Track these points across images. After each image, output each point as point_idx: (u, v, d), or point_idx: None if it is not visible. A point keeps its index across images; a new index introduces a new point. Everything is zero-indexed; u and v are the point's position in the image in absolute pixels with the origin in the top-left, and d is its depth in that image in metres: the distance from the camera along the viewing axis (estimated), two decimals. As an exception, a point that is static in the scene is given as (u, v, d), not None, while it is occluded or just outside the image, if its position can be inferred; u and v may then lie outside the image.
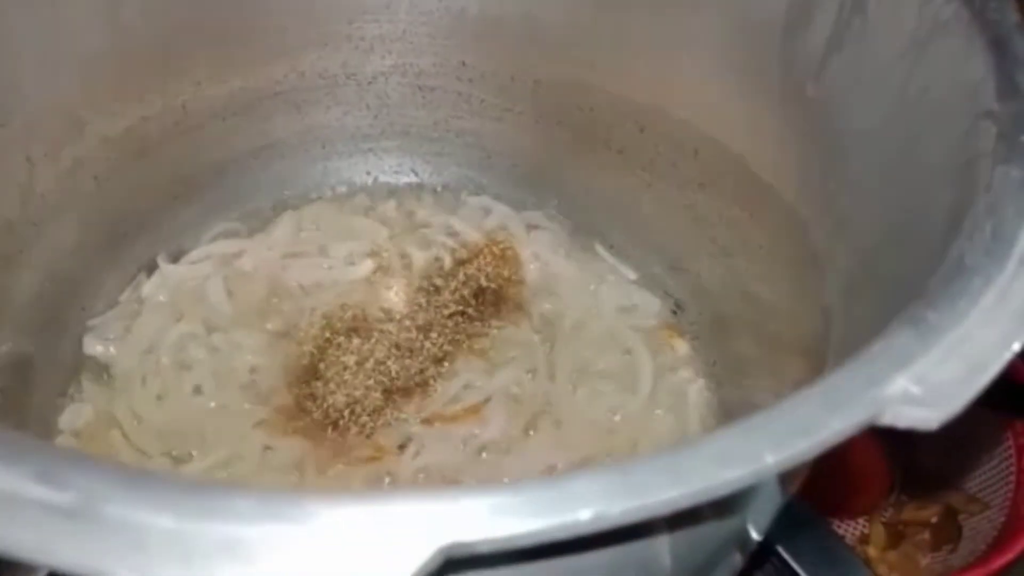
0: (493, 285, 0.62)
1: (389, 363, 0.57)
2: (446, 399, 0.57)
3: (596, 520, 0.23)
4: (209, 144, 0.62)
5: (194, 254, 0.64)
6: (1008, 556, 0.59)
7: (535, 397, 0.57)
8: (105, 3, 0.53)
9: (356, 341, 0.58)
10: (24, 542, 0.22)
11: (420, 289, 0.62)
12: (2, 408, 0.51)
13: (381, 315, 0.60)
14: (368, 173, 0.69)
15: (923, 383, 0.26)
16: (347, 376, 0.56)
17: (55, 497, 0.23)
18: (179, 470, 0.54)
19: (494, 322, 0.60)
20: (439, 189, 0.69)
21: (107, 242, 0.60)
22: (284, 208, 0.67)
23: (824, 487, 0.46)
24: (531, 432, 0.56)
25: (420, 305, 0.61)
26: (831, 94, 0.47)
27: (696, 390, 0.59)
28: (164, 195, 0.62)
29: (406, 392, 0.57)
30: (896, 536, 0.66)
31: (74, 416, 0.56)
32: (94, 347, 0.59)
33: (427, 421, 0.56)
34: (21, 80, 0.51)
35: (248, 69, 0.62)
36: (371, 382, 0.56)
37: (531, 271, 0.64)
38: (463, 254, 0.64)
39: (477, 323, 0.60)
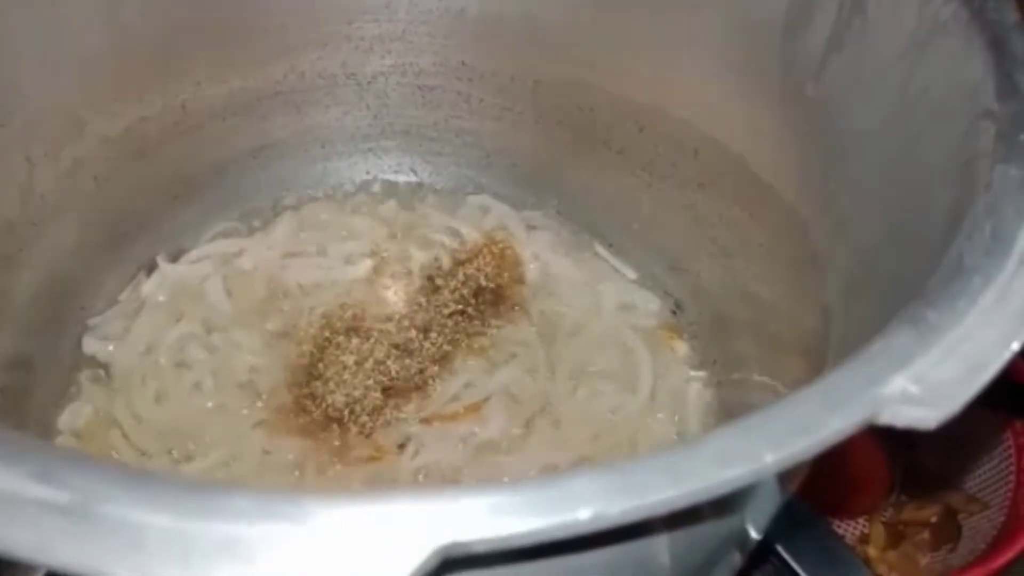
0: (493, 285, 0.62)
1: (389, 363, 0.57)
2: (445, 399, 0.57)
3: (595, 520, 0.23)
4: (209, 144, 0.62)
5: (194, 254, 0.64)
6: (1008, 556, 0.59)
7: (534, 397, 0.57)
8: (105, 3, 0.53)
9: (355, 341, 0.58)
10: (23, 542, 0.22)
11: (420, 289, 0.62)
12: (2, 408, 0.51)
13: (381, 315, 0.60)
14: (368, 173, 0.69)
15: (922, 383, 0.26)
16: (346, 376, 0.56)
17: (54, 497, 0.23)
18: (178, 470, 0.54)
19: (494, 321, 0.60)
20: (439, 189, 0.69)
21: (107, 242, 0.60)
22: (284, 208, 0.67)
23: (824, 487, 0.46)
24: (530, 431, 0.56)
25: (420, 305, 0.61)
26: (831, 94, 0.47)
27: (696, 390, 0.59)
28: (164, 195, 0.62)
29: (405, 392, 0.57)
30: (896, 536, 0.66)
31: (74, 416, 0.56)
32: (94, 347, 0.59)
33: (426, 421, 0.56)
34: (21, 80, 0.51)
35: (248, 69, 0.62)
36: (371, 382, 0.56)
37: (531, 271, 0.64)
38: (463, 254, 0.64)
39: (477, 323, 0.60)
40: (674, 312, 0.62)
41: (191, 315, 0.60)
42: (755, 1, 0.50)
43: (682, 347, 0.61)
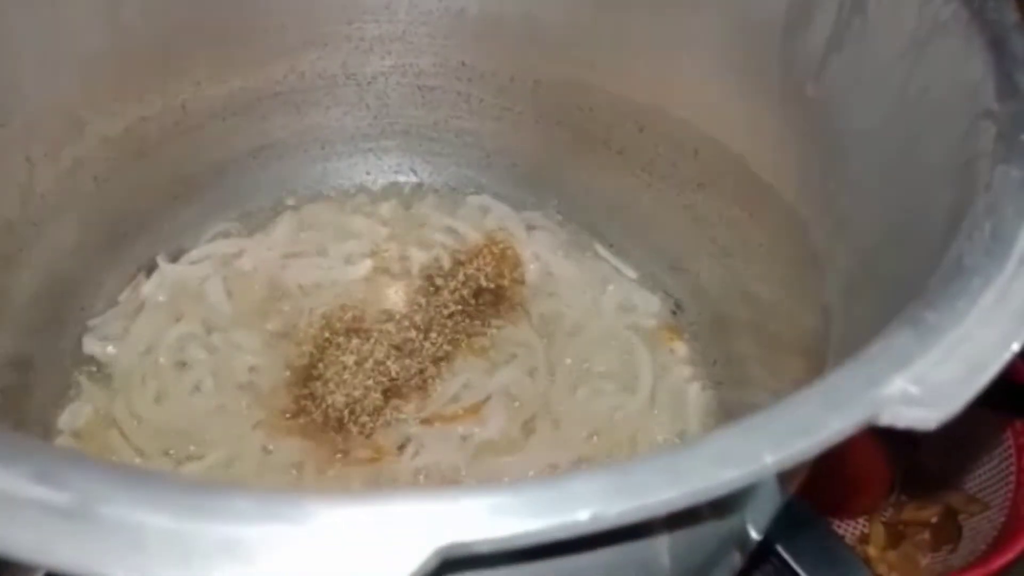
0: (493, 285, 0.62)
1: (388, 363, 0.57)
2: (445, 399, 0.57)
3: (594, 520, 0.23)
4: (209, 144, 0.62)
5: (194, 254, 0.64)
6: (1008, 556, 0.59)
7: (534, 397, 0.57)
8: (105, 3, 0.53)
9: (355, 341, 0.58)
10: (22, 542, 0.22)
11: (420, 289, 0.62)
12: (2, 408, 0.51)
13: (381, 315, 0.60)
14: (368, 173, 0.69)
15: (922, 383, 0.26)
16: (346, 376, 0.56)
17: (53, 497, 0.23)
18: (178, 470, 0.54)
19: (494, 322, 0.60)
20: (439, 189, 0.69)
21: (107, 242, 0.60)
22: (283, 208, 0.67)
23: (824, 487, 0.46)
24: (530, 432, 0.56)
25: (420, 305, 0.61)
26: (831, 94, 0.47)
27: (695, 390, 0.59)
28: (164, 195, 0.62)
29: (405, 392, 0.57)
30: (896, 536, 0.66)
31: (73, 416, 0.56)
32: (93, 347, 0.59)
33: (426, 421, 0.56)
34: (21, 80, 0.51)
35: (248, 69, 0.62)
36: (370, 382, 0.56)
37: (531, 271, 0.64)
38: (463, 254, 0.64)
39: (477, 323, 0.60)
40: (674, 312, 0.62)
41: (191, 315, 0.60)
42: (755, 1, 0.50)
43: (682, 347, 0.61)
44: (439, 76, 0.65)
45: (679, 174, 0.59)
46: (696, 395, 0.59)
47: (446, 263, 0.64)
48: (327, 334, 0.59)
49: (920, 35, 0.40)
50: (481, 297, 0.61)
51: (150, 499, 0.23)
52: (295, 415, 0.56)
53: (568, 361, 0.59)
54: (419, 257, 0.64)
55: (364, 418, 0.55)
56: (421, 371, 0.57)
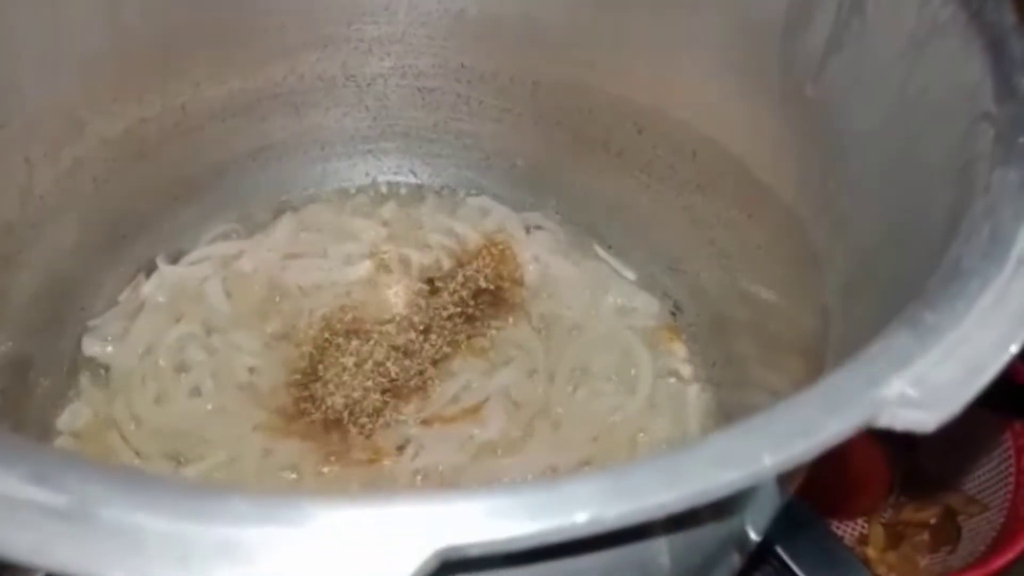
0: (492, 286, 0.62)
1: (388, 364, 0.57)
2: (445, 400, 0.57)
3: (592, 523, 0.23)
4: (208, 145, 0.62)
5: (193, 255, 0.64)
6: (1007, 557, 0.59)
7: (534, 398, 0.57)
8: (105, 3, 0.53)
9: (355, 342, 0.58)
10: (21, 544, 0.22)
11: (419, 290, 0.62)
12: (1, 408, 0.51)
13: (380, 316, 0.60)
14: (367, 174, 0.69)
15: (921, 385, 0.26)
16: (346, 377, 0.56)
17: (52, 499, 0.23)
18: (178, 472, 0.54)
19: (493, 323, 0.61)
20: (438, 190, 0.69)
21: (106, 243, 0.60)
22: (283, 209, 0.67)
23: (823, 488, 0.46)
24: (530, 433, 0.56)
25: (419, 306, 0.61)
26: (830, 94, 0.47)
27: (695, 391, 0.59)
28: (163, 196, 0.62)
29: (405, 393, 0.57)
30: (895, 537, 0.66)
31: (73, 417, 0.56)
32: (93, 348, 0.59)
33: (426, 422, 0.56)
34: (21, 80, 0.51)
35: (247, 70, 0.62)
36: (370, 383, 0.56)
37: (530, 272, 0.64)
38: (462, 255, 0.64)
39: (476, 324, 0.60)
40: (673, 313, 0.62)
41: (191, 316, 0.60)
42: (755, 1, 0.50)
43: (681, 348, 0.61)
44: (439, 77, 0.65)
45: (678, 175, 0.60)
46: (695, 396, 0.59)
47: (446, 264, 0.64)
48: (327, 335, 0.59)
49: (919, 36, 0.40)
50: (480, 298, 0.61)
51: (149, 501, 0.23)
52: (295, 416, 0.56)
53: (567, 362, 0.59)
54: (419, 258, 0.64)
55: (364, 419, 0.55)
56: (420, 372, 0.57)
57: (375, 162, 0.69)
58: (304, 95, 0.64)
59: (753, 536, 0.38)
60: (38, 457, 0.24)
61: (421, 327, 0.59)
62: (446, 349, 0.59)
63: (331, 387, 0.56)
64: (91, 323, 0.60)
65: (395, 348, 0.58)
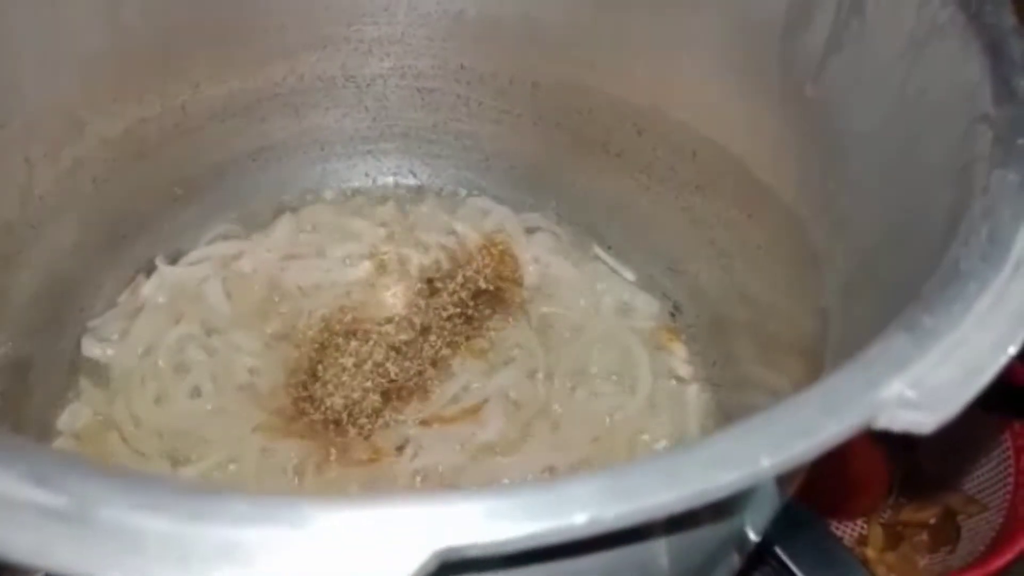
0: (491, 287, 0.62)
1: (387, 365, 0.57)
2: (444, 401, 0.57)
3: (591, 524, 0.23)
4: (208, 146, 0.62)
5: (193, 255, 0.64)
6: (1006, 557, 0.59)
7: (533, 399, 0.57)
8: (105, 3, 0.53)
9: (354, 343, 0.58)
10: (20, 545, 0.22)
11: (419, 291, 0.62)
12: (1, 409, 0.51)
13: (380, 317, 0.60)
14: (367, 175, 0.69)
15: (919, 387, 0.26)
16: (345, 378, 0.56)
17: (51, 500, 0.23)
18: (177, 472, 0.54)
19: (492, 324, 0.61)
20: (438, 191, 0.69)
21: (106, 243, 0.60)
22: (283, 210, 0.67)
23: (823, 488, 0.46)
24: (529, 434, 0.56)
25: (419, 307, 0.61)
26: (830, 94, 0.47)
27: (694, 391, 0.59)
28: (163, 196, 0.62)
29: (404, 394, 0.57)
30: (894, 537, 0.66)
31: (73, 418, 0.56)
32: (93, 348, 0.59)
33: (425, 423, 0.56)
34: (21, 80, 0.51)
35: (247, 70, 0.62)
36: (369, 384, 0.56)
37: (530, 273, 0.64)
38: (462, 256, 0.64)
39: (476, 325, 0.60)
40: (673, 314, 0.62)
41: (190, 317, 0.60)
42: (755, 1, 0.50)
43: (681, 349, 0.61)
44: (438, 78, 0.65)
45: (678, 176, 0.60)
46: (695, 396, 0.59)
47: (445, 265, 0.64)
48: (326, 336, 0.59)
49: (918, 36, 0.40)
50: (480, 299, 0.61)
51: (148, 502, 0.23)
52: (294, 416, 0.56)
53: (567, 363, 0.59)
54: (418, 259, 0.64)
55: (363, 419, 0.55)
56: (420, 373, 0.57)
57: (375, 163, 0.69)
58: (304, 95, 0.64)
59: (752, 536, 0.38)
60: (38, 457, 0.24)
61: (420, 328, 0.59)
62: (445, 350, 0.59)
63: (330, 387, 0.56)
64: (91, 324, 0.60)
65: (394, 349, 0.58)
